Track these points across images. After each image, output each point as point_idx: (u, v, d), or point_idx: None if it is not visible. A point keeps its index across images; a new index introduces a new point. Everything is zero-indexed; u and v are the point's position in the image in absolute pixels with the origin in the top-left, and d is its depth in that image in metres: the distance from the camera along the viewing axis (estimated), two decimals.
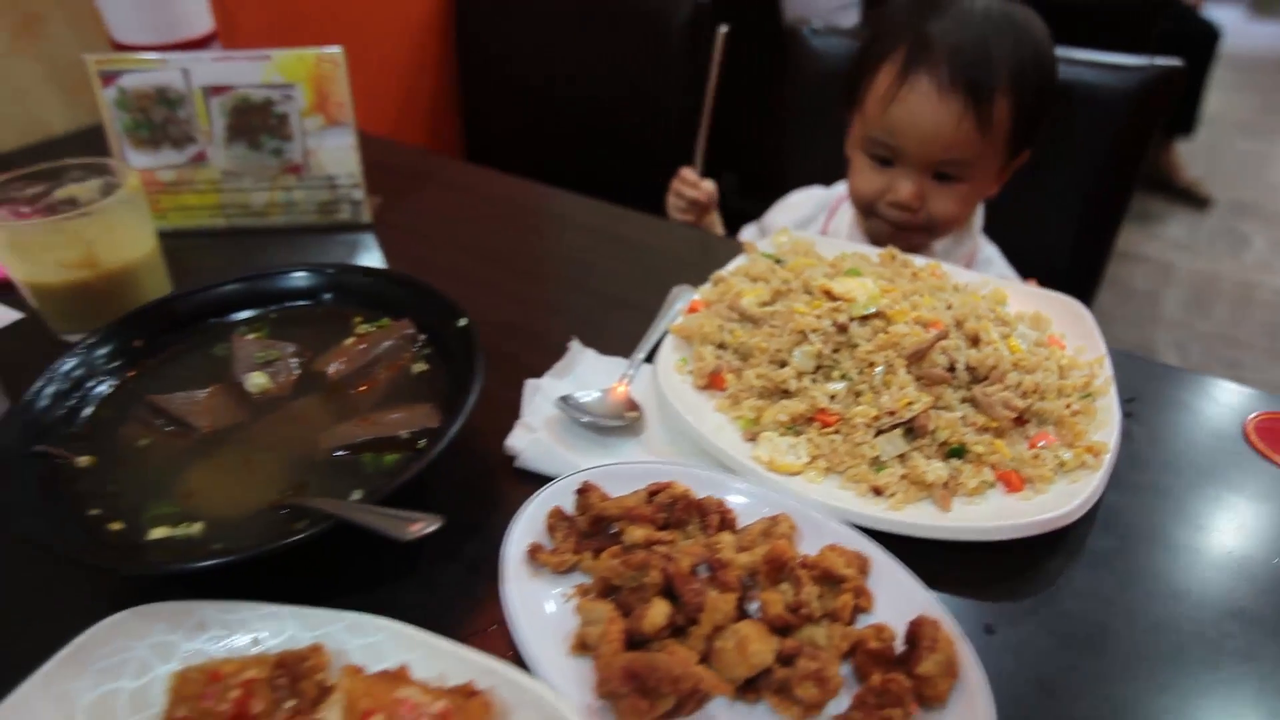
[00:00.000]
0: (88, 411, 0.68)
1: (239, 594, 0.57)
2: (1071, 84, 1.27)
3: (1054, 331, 0.82)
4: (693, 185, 1.26)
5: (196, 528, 0.59)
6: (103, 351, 0.70)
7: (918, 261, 0.90)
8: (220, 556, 0.54)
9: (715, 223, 1.33)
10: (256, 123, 1.03)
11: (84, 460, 0.64)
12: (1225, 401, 0.80)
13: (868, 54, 1.09)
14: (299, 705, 0.52)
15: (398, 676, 0.50)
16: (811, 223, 1.32)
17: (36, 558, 0.63)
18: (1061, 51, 1.27)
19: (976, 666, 0.52)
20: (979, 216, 1.23)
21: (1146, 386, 0.81)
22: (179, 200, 1.07)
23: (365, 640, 0.55)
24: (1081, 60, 1.28)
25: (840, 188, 1.26)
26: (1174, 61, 1.25)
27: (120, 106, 1.01)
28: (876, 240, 1.19)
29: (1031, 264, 1.26)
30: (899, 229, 1.13)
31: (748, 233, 1.40)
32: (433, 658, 0.53)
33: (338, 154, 1.05)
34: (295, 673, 0.53)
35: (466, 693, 0.49)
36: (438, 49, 1.94)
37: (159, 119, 1.02)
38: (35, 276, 0.82)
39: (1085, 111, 1.28)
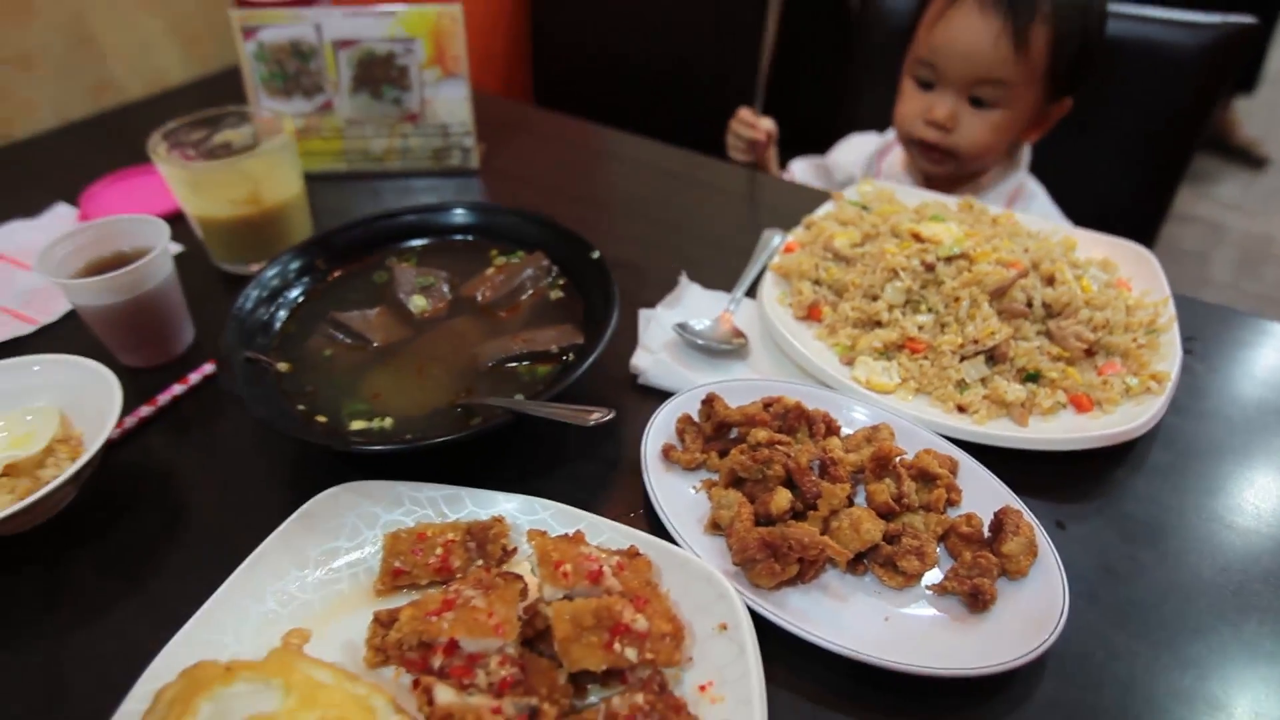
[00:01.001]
0: (279, 324, 0.79)
1: (421, 480, 0.68)
2: (1142, 40, 1.31)
3: (1122, 275, 0.90)
4: (750, 125, 1.30)
5: (388, 422, 0.70)
6: (294, 266, 0.82)
7: (994, 210, 0.97)
8: (414, 443, 0.65)
9: (772, 160, 1.38)
10: (379, 74, 1.12)
11: (283, 366, 0.75)
12: (1275, 339, 0.87)
13: None
14: (486, 564, 0.63)
15: (576, 539, 0.61)
16: (868, 161, 1.39)
17: (259, 447, 0.76)
18: (1133, 8, 1.32)
19: (1052, 549, 0.62)
20: (1025, 154, 1.30)
21: (1207, 328, 0.89)
22: (306, 146, 1.17)
23: (533, 517, 0.66)
24: (1154, 17, 1.32)
25: (892, 132, 1.33)
26: (1247, 19, 1.28)
27: (258, 58, 1.11)
28: (923, 175, 1.29)
29: (1090, 217, 1.32)
30: (930, 151, 1.21)
31: (798, 165, 1.46)
32: (595, 531, 0.64)
33: (452, 104, 1.14)
34: (481, 539, 0.64)
35: (631, 553, 0.60)
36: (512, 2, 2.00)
37: (292, 70, 1.12)
38: (207, 211, 0.93)
39: (1155, 67, 1.32)
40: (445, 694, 0.51)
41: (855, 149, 1.44)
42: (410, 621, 0.55)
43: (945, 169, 1.24)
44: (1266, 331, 0.89)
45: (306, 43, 1.10)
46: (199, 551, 0.68)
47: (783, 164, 1.47)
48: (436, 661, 0.54)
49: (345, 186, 1.19)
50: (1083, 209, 1.33)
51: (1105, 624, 0.61)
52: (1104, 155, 1.42)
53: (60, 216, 1.11)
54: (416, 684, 0.53)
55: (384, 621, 0.58)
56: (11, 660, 0.61)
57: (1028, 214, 1.04)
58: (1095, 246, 0.95)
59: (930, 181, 1.29)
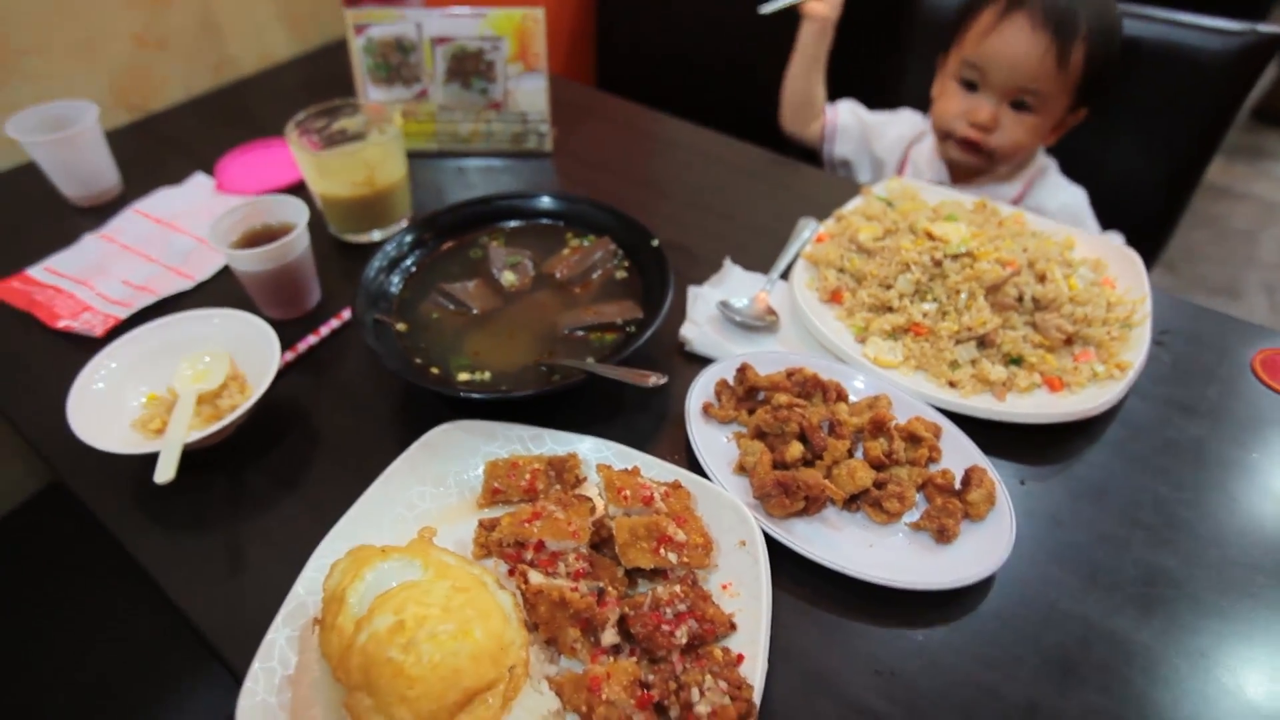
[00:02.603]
0: (395, 290, 0.97)
1: (512, 421, 0.86)
2: (1173, 44, 1.39)
3: (1109, 274, 1.03)
4: None
5: (487, 375, 0.88)
6: (409, 239, 1.00)
7: (1004, 210, 1.11)
8: (510, 393, 0.83)
9: (823, 44, 1.47)
10: (469, 67, 1.28)
11: (401, 326, 0.94)
12: (1241, 337, 1.00)
13: (974, 1, 1.28)
14: (563, 488, 0.82)
15: (633, 472, 0.79)
16: (904, 146, 1.52)
17: (377, 387, 0.95)
18: (1166, 13, 1.40)
19: (1008, 499, 0.78)
20: (1041, 154, 1.42)
21: (1180, 323, 1.02)
22: (404, 128, 1.34)
23: (599, 454, 0.84)
24: (1184, 22, 1.40)
25: (927, 122, 1.45)
26: (1275, 29, 1.36)
27: (367, 51, 1.28)
28: (950, 165, 1.41)
29: (1115, 209, 1.43)
30: (968, 148, 1.34)
31: (845, 107, 1.56)
32: (647, 467, 0.82)
33: (531, 95, 1.30)
34: (560, 469, 0.82)
35: (675, 485, 0.78)
36: None
37: (395, 62, 1.28)
38: (330, 190, 1.12)
39: (1183, 72, 1.40)
40: (536, 577, 0.70)
41: (900, 126, 1.54)
42: (508, 526, 0.74)
43: (976, 163, 1.36)
44: (1234, 328, 1.02)
45: (408, 39, 1.26)
46: (338, 468, 0.88)
47: (833, 97, 1.58)
48: (528, 556, 0.73)
49: (435, 164, 1.36)
50: (1110, 199, 1.44)
51: (1045, 560, 0.77)
52: (1130, 149, 1.51)
53: (199, 185, 1.31)
54: (512, 571, 0.72)
55: (487, 526, 0.77)
56: (209, 541, 0.82)
57: (1043, 190, 1.17)
58: (1091, 248, 1.07)
59: (955, 169, 1.41)
